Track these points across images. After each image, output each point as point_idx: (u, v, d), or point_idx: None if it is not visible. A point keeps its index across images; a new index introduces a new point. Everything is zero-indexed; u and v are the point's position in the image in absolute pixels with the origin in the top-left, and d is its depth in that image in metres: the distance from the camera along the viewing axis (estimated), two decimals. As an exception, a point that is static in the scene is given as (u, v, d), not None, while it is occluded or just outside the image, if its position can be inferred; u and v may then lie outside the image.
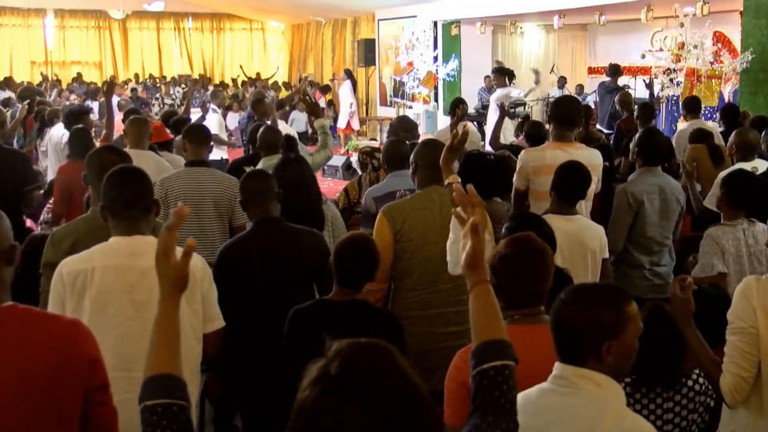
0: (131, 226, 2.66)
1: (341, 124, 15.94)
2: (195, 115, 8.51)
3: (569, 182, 3.65)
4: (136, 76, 22.01)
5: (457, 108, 6.89)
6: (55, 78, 20.50)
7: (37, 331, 1.93)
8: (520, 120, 9.67)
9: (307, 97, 6.91)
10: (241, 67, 22.33)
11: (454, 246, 2.95)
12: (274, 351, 3.21)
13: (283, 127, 8.06)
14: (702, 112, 7.57)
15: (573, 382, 1.91)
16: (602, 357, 1.89)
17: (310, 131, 14.42)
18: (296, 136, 5.82)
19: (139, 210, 2.69)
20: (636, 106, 7.15)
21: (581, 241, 3.49)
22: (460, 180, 3.16)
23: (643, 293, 4.17)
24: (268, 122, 6.86)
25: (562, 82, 15.78)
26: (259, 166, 5.12)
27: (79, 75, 20.87)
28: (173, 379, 1.55)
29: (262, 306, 3.38)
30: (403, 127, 5.91)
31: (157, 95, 15.64)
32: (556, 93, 14.61)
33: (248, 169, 5.22)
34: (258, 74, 22.28)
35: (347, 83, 15.90)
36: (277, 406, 2.69)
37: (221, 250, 3.53)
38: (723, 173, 4.97)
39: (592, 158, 4.35)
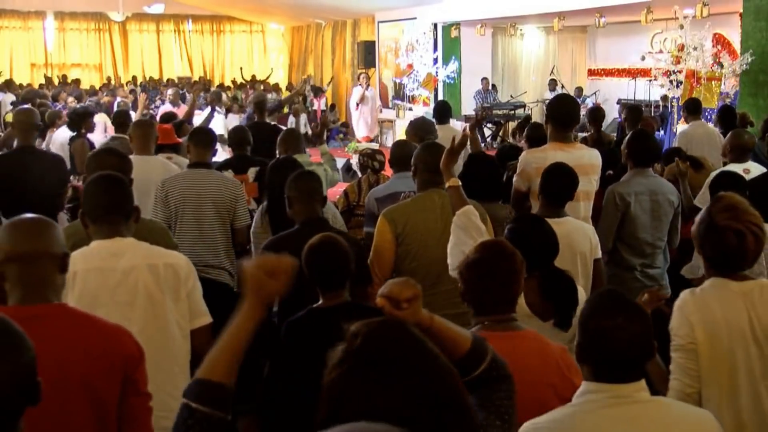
0: (112, 230, 2.68)
1: (368, 132, 15.47)
2: (198, 117, 8.52)
3: (557, 184, 3.65)
4: (136, 78, 21.94)
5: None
6: (59, 80, 20.35)
7: (77, 328, 2.06)
8: (519, 121, 9.69)
9: (316, 128, 6.96)
10: (240, 69, 22.39)
11: (455, 248, 2.96)
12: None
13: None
14: (701, 114, 7.57)
15: (634, 397, 1.86)
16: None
17: (309, 132, 14.43)
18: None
19: (120, 217, 2.70)
20: (625, 109, 7.14)
21: (570, 244, 3.46)
22: (460, 183, 3.17)
23: (634, 295, 4.17)
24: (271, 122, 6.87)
25: (552, 85, 15.79)
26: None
27: (73, 80, 20.40)
28: (223, 389, 1.56)
29: (299, 306, 3.39)
30: (420, 128, 5.89)
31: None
32: (550, 96, 14.65)
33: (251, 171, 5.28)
34: (253, 76, 22.22)
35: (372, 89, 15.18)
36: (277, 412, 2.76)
37: (265, 243, 3.52)
38: (714, 174, 5.01)
39: (592, 158, 4.36)
